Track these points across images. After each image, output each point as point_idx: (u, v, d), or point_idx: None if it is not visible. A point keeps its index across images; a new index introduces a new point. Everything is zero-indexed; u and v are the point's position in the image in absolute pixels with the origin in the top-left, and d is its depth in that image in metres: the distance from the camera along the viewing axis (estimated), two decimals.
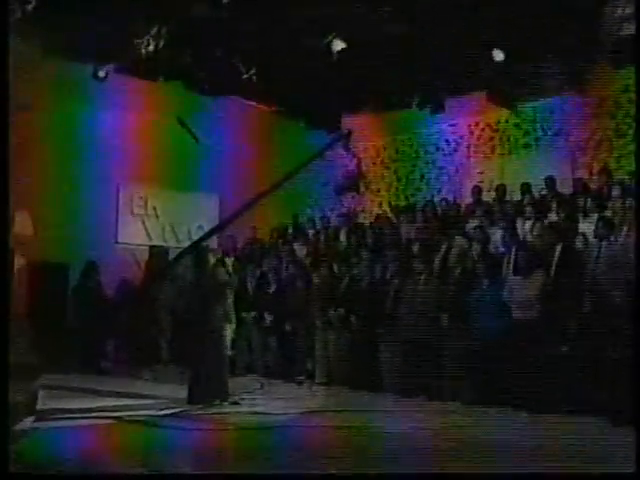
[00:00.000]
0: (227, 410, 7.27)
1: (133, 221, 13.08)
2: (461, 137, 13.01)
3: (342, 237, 11.49)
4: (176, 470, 4.75)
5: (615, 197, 8.67)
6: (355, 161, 9.35)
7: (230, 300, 8.72)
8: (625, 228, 7.74)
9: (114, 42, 10.57)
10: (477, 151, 12.78)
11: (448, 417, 6.94)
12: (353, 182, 9.30)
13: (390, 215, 11.96)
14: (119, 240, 12.83)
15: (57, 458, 4.78)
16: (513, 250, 8.27)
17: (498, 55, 10.69)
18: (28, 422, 5.36)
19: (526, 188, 10.27)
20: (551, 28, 9.60)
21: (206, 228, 12.11)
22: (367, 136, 13.66)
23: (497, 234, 9.17)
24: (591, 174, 10.74)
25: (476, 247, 8.71)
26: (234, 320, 9.51)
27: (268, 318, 10.25)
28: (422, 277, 8.60)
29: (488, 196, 11.13)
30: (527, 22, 9.50)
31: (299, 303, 9.90)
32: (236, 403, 7.58)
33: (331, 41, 10.68)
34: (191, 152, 12.11)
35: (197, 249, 8.37)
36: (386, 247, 9.97)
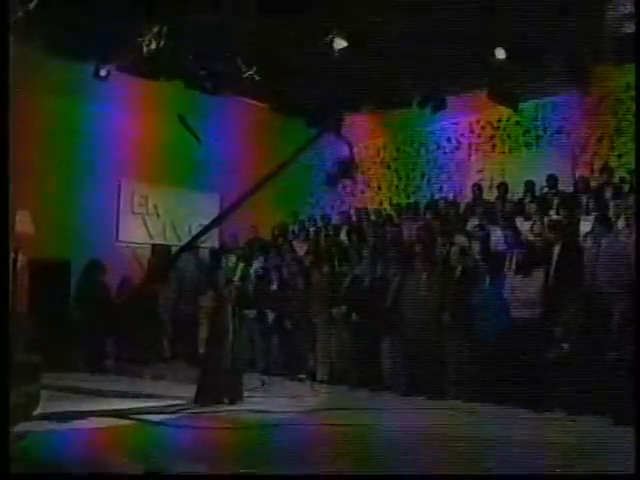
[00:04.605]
0: (228, 408, 7.29)
1: (134, 219, 13.10)
2: (462, 135, 13.01)
3: (343, 235, 11.52)
4: (177, 469, 4.76)
5: (615, 195, 8.68)
6: (347, 147, 9.32)
7: (231, 298, 8.73)
8: (626, 227, 7.74)
9: (115, 41, 10.58)
10: (478, 149, 12.79)
11: (449, 416, 6.95)
12: (346, 168, 9.25)
13: (391, 213, 11.97)
14: (120, 238, 12.85)
15: (58, 458, 4.79)
16: (514, 249, 8.27)
17: (499, 53, 10.68)
18: (29, 422, 5.37)
19: (527, 186, 10.27)
20: (552, 26, 9.59)
21: None
22: (368, 135, 13.67)
23: (498, 232, 9.18)
24: (592, 172, 10.74)
25: (476, 246, 8.72)
26: (236, 319, 9.55)
27: (270, 316, 10.27)
28: (423, 275, 8.61)
29: (489, 194, 11.14)
30: (528, 20, 9.48)
31: (300, 301, 9.91)
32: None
33: (332, 40, 10.68)
34: (192, 151, 12.11)
35: (198, 248, 8.42)
36: (387, 245, 9.99)
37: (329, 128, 10.46)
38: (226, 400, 7.48)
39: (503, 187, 10.75)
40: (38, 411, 5.83)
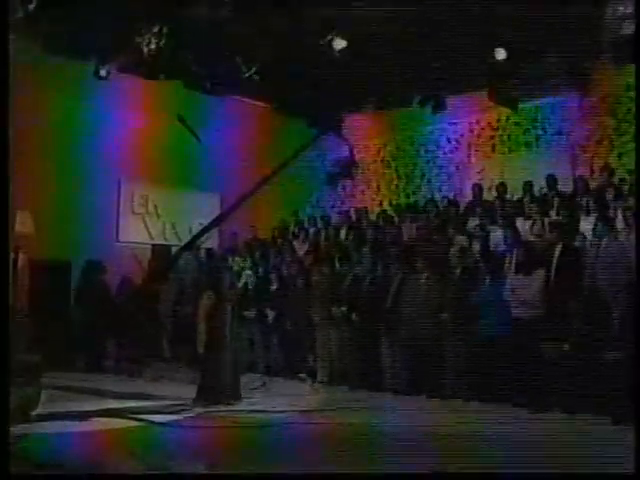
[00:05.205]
0: (228, 408, 7.29)
1: (134, 220, 13.10)
2: (462, 135, 13.01)
3: (343, 235, 11.51)
4: (177, 469, 4.76)
5: (615, 196, 8.68)
6: (347, 147, 9.34)
7: (233, 299, 8.74)
8: (625, 227, 7.74)
9: (115, 41, 10.59)
10: (478, 150, 12.79)
11: (449, 415, 6.95)
12: (346, 168, 9.27)
13: (391, 213, 11.97)
14: (120, 239, 12.85)
15: (58, 458, 4.79)
16: (514, 249, 8.27)
17: (499, 53, 10.69)
18: (29, 422, 5.37)
19: (527, 187, 10.27)
20: (552, 27, 9.59)
21: None
22: (368, 134, 13.67)
23: (498, 232, 9.18)
24: (592, 172, 10.75)
25: (476, 246, 8.72)
26: (235, 319, 9.55)
27: (270, 316, 10.27)
28: (423, 275, 8.61)
29: (489, 195, 11.14)
30: (528, 20, 9.49)
31: (301, 301, 9.91)
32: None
33: (332, 40, 10.68)
34: (192, 151, 12.08)
35: (198, 248, 8.40)
36: (387, 245, 9.99)
37: (329, 128, 10.50)
38: (226, 400, 7.48)
39: (503, 187, 10.75)
40: (38, 411, 5.84)
